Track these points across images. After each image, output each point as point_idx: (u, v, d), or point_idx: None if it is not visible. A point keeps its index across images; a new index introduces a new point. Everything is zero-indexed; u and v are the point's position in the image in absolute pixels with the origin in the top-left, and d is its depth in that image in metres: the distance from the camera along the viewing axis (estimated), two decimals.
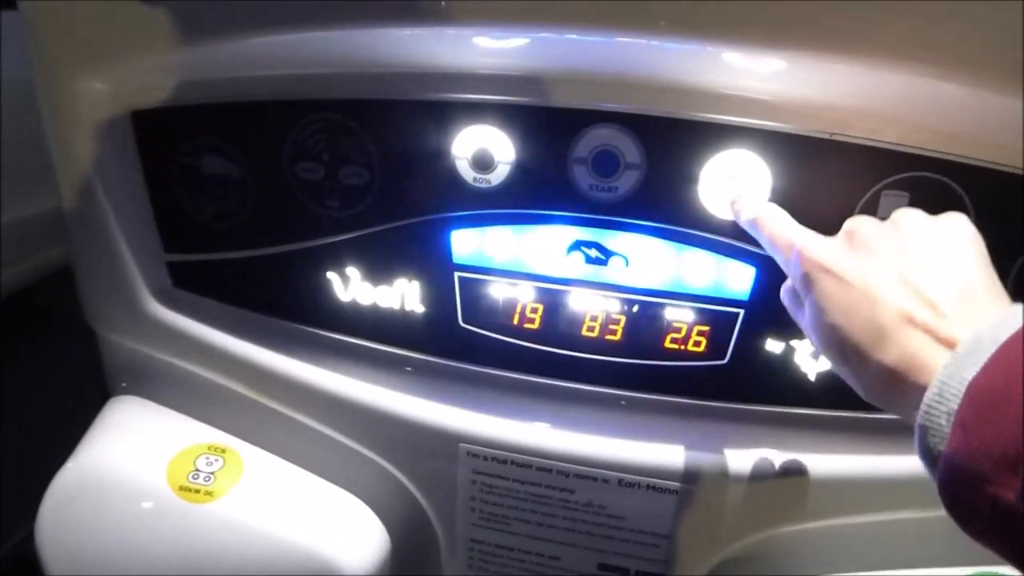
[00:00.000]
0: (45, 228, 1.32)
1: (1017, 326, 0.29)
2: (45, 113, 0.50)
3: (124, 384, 0.61)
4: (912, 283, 0.33)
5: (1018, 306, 0.31)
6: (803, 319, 0.39)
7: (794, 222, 0.40)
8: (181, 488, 0.53)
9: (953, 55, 0.40)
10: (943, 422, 0.29)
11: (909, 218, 0.36)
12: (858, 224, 0.37)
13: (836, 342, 0.35)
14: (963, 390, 0.29)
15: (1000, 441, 0.27)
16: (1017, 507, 0.26)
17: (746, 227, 0.42)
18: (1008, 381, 0.27)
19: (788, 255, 0.38)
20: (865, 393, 0.35)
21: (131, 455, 0.56)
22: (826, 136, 0.42)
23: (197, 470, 0.55)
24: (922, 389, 0.30)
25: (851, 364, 0.35)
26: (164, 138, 0.50)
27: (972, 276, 0.33)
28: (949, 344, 0.31)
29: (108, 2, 0.46)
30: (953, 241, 0.35)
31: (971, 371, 0.29)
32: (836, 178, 0.43)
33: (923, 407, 0.30)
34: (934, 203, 0.42)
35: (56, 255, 1.37)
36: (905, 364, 0.32)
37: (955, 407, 0.29)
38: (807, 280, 0.37)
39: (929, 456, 0.30)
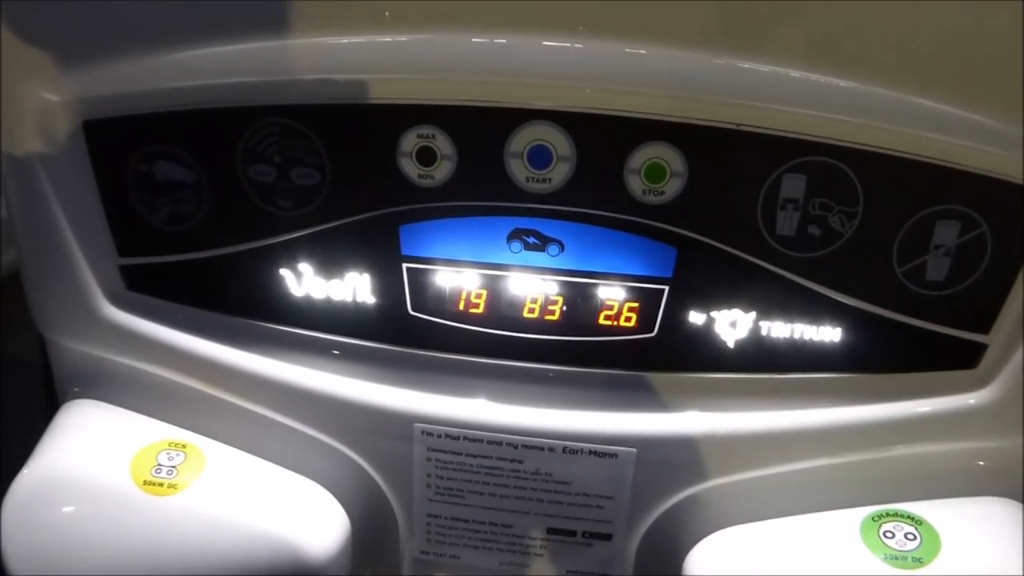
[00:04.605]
0: None
1: None
2: None
3: (76, 389, 0.62)
4: None
5: None
6: None
7: None
8: (145, 483, 0.55)
9: (844, 53, 0.45)
10: None
11: None
12: None
13: None
14: None
15: None
16: None
17: None
18: None
19: None
20: None
21: (91, 455, 0.57)
22: (733, 126, 0.47)
23: (159, 465, 0.56)
24: None
25: None
26: (117, 146, 0.51)
27: None
28: None
29: (56, 14, 0.48)
30: None
31: None
32: (744, 163, 0.48)
33: None
34: (828, 184, 0.48)
35: None
36: None
37: None
38: None
39: None
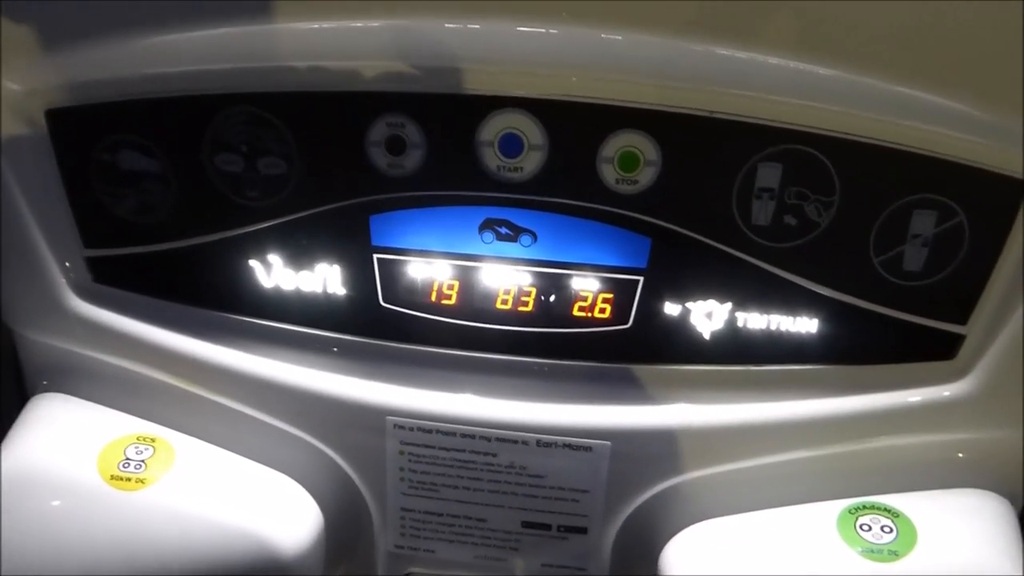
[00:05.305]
0: None
1: None
2: None
3: (45, 383, 0.61)
4: None
5: None
6: None
7: None
8: (112, 477, 0.54)
9: (823, 40, 0.44)
10: None
11: None
12: None
13: None
14: None
15: None
16: None
17: None
18: None
19: None
20: None
21: (58, 449, 0.56)
22: (707, 114, 0.46)
23: (127, 459, 0.56)
24: None
25: None
26: (81, 135, 0.50)
27: None
28: None
29: (17, 2, 0.47)
30: None
31: None
32: (718, 151, 0.47)
33: None
34: (803, 172, 0.47)
35: None
36: None
37: None
38: None
39: None
